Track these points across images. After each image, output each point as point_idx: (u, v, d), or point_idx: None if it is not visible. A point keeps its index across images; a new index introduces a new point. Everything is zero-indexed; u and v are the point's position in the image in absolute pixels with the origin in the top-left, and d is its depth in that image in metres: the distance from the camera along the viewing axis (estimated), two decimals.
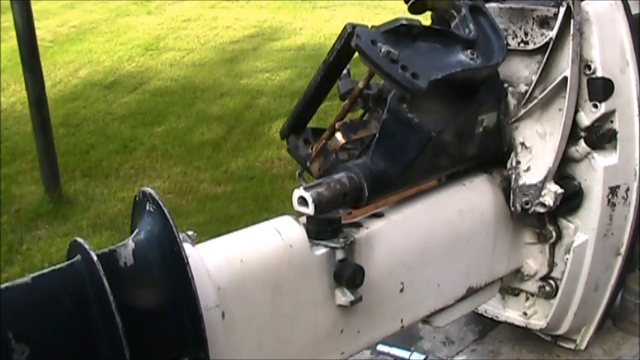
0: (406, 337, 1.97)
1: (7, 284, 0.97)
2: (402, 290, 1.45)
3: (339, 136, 1.49)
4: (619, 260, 1.75)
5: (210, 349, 1.06)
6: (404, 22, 1.40)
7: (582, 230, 1.67)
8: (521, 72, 1.64)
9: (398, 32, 1.39)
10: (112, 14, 9.16)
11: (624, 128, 1.64)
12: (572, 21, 1.55)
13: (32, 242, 3.92)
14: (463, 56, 1.44)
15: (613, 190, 1.65)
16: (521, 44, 1.63)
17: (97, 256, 1.00)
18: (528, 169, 1.62)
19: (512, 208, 1.62)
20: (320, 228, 1.32)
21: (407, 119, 1.41)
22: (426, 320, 1.58)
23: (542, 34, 1.60)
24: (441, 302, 1.56)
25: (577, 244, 1.66)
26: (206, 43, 7.72)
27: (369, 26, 1.40)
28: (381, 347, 1.95)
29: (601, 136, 1.63)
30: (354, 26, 1.41)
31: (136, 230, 1.10)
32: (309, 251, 1.29)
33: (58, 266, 1.02)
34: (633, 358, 1.90)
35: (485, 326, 2.01)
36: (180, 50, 7.50)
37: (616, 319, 1.98)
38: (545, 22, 1.60)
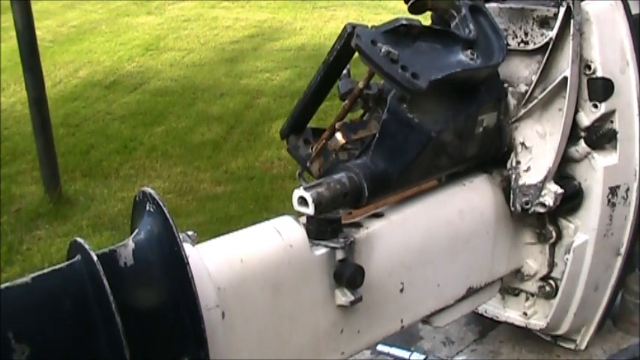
0: (406, 337, 1.97)
1: (7, 284, 0.97)
2: (402, 290, 1.45)
3: (339, 136, 1.49)
4: (619, 260, 1.75)
5: (210, 349, 1.06)
6: (404, 22, 1.40)
7: (582, 230, 1.67)
8: (521, 72, 1.64)
9: (398, 32, 1.39)
10: (112, 14, 9.16)
11: (624, 128, 1.64)
12: (572, 21, 1.55)
13: (32, 242, 3.92)
14: (463, 56, 1.44)
15: (613, 190, 1.65)
16: (521, 44, 1.63)
17: (97, 256, 1.00)
18: (528, 169, 1.62)
19: (513, 208, 1.62)
20: (320, 228, 1.32)
21: (407, 119, 1.41)
22: (426, 320, 1.58)
23: (542, 34, 1.60)
24: (441, 302, 1.56)
25: (577, 244, 1.66)
26: (206, 43, 7.73)
27: (369, 26, 1.40)
28: (381, 347, 1.95)
29: (601, 136, 1.63)
30: (354, 26, 1.41)
31: (136, 230, 1.10)
32: (309, 251, 1.29)
33: (58, 266, 1.02)
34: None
35: (485, 326, 2.01)
36: (180, 50, 7.51)
37: (616, 319, 1.98)
38: (545, 22, 1.60)
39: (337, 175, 1.36)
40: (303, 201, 1.29)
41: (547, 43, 1.59)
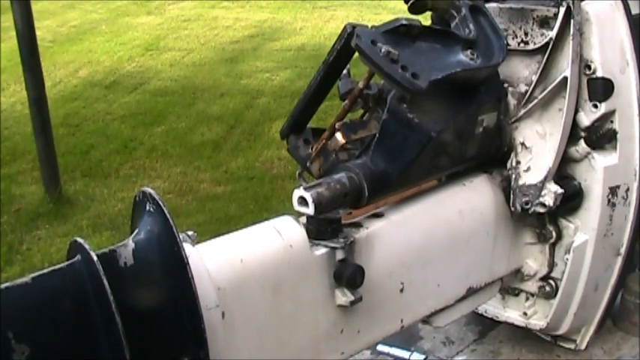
0: (406, 337, 1.97)
1: (7, 284, 0.97)
2: (402, 290, 1.45)
3: (339, 136, 1.49)
4: (619, 260, 1.75)
5: (210, 349, 1.06)
6: (404, 22, 1.40)
7: (582, 230, 1.67)
8: (521, 72, 1.64)
9: (398, 32, 1.39)
10: (112, 14, 9.16)
11: (624, 128, 1.64)
12: (572, 21, 1.55)
13: (32, 242, 3.92)
14: (463, 56, 1.44)
15: (613, 190, 1.65)
16: (521, 44, 1.63)
17: (97, 256, 1.00)
18: (528, 169, 1.62)
19: (513, 208, 1.62)
20: (320, 228, 1.32)
21: (407, 119, 1.41)
22: (426, 320, 1.58)
23: (542, 34, 1.60)
24: (441, 302, 1.56)
25: (577, 244, 1.66)
26: (206, 43, 7.72)
27: (369, 26, 1.40)
28: (381, 347, 1.95)
29: (601, 136, 1.63)
30: (354, 26, 1.41)
31: (136, 230, 1.10)
32: (309, 251, 1.29)
33: (58, 266, 1.02)
34: (633, 358, 1.90)
35: (485, 326, 2.01)
36: (180, 50, 7.50)
37: (616, 319, 1.98)
38: (545, 22, 1.60)
39: (337, 175, 1.36)
40: (303, 201, 1.29)
41: (547, 43, 1.59)
